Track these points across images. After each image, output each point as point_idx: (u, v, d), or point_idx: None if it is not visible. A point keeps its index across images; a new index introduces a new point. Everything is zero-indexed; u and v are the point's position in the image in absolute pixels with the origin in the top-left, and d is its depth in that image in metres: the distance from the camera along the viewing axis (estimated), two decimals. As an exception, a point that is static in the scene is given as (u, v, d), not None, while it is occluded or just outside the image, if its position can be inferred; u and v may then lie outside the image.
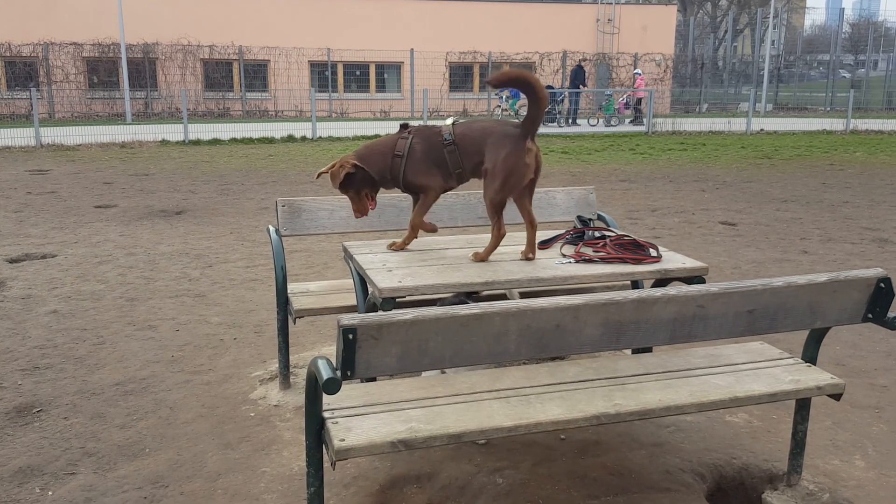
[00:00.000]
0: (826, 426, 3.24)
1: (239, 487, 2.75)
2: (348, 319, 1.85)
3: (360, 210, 3.00)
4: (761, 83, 31.02)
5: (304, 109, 25.61)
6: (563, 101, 22.23)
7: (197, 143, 16.45)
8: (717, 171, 12.31)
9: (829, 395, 2.49)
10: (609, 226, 3.56)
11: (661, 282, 2.95)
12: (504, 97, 23.24)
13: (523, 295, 3.21)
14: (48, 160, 13.41)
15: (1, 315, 4.73)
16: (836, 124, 21.49)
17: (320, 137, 17.59)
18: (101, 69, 25.35)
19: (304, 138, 17.42)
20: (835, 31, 40.74)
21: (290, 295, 3.52)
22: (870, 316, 2.35)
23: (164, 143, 16.33)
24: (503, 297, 3.21)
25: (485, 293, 3.06)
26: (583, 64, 24.89)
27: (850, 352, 4.12)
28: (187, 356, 4.06)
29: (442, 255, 3.02)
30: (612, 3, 29.21)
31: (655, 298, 2.09)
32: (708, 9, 50.75)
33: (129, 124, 21.22)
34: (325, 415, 2.17)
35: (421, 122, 3.06)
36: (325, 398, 2.17)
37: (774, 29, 42.10)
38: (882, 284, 2.29)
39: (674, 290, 2.12)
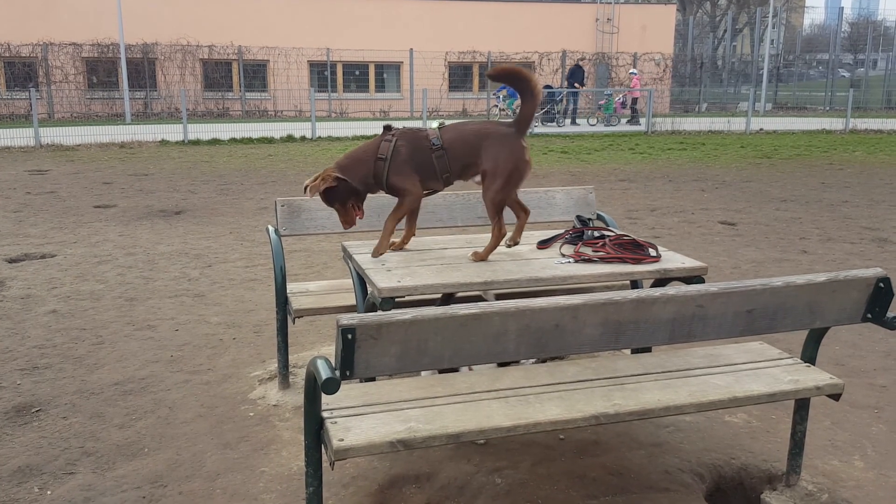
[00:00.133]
0: (825, 426, 3.24)
1: (238, 487, 2.75)
2: (347, 319, 1.85)
3: (348, 221, 2.95)
4: (760, 82, 31.02)
5: (303, 109, 25.60)
6: (561, 100, 22.22)
7: (196, 143, 16.45)
8: (716, 170, 12.32)
9: (828, 396, 2.49)
10: (608, 225, 3.56)
11: (661, 281, 2.94)
12: (501, 97, 23.23)
13: (524, 295, 3.21)
14: (47, 160, 13.40)
15: (0, 315, 4.73)
16: (835, 124, 21.50)
17: (320, 137, 17.59)
18: (100, 69, 25.34)
19: (303, 138, 17.42)
20: (834, 31, 40.76)
21: (289, 295, 3.52)
22: (869, 316, 2.35)
23: (164, 143, 16.33)
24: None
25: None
26: (581, 63, 24.86)
27: (849, 352, 4.12)
28: (186, 356, 4.06)
29: (441, 254, 3.02)
30: (611, 3, 29.21)
31: (654, 298, 2.09)
32: (707, 8, 50.77)
33: (129, 124, 21.21)
34: (324, 414, 2.17)
35: (404, 126, 3.02)
36: (324, 398, 2.17)
37: (774, 28, 42.12)
38: (881, 284, 2.29)
39: (673, 289, 2.12)
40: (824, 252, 6.53)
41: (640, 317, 2.10)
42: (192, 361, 3.99)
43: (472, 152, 2.87)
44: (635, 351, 3.02)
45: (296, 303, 3.42)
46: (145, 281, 5.54)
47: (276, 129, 18.50)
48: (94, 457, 2.97)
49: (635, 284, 3.28)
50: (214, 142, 16.58)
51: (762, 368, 2.57)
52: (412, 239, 3.12)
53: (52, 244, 6.73)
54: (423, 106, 19.60)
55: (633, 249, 2.99)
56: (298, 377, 3.72)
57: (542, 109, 21.37)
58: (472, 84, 28.85)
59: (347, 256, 3.10)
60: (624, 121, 22.38)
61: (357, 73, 28.00)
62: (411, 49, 26.67)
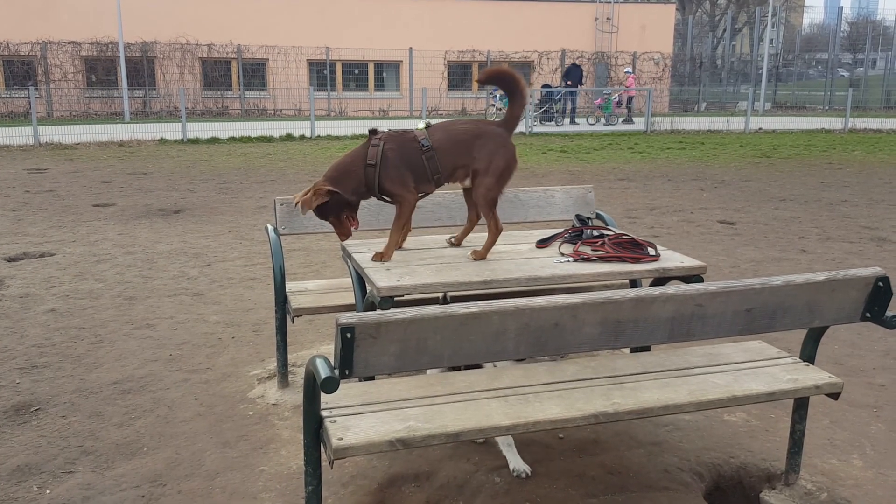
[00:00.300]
0: (824, 425, 3.24)
1: (237, 486, 2.75)
2: (346, 318, 1.85)
3: (344, 233, 2.91)
4: (760, 82, 31.02)
5: (302, 108, 25.59)
6: (560, 100, 22.22)
7: (195, 141, 16.44)
8: (715, 169, 12.32)
9: (827, 395, 2.49)
10: (607, 224, 3.56)
11: (660, 280, 2.95)
12: (498, 96, 23.21)
13: (523, 294, 3.21)
14: (46, 159, 13.39)
15: (-1, 314, 4.73)
16: (834, 123, 21.50)
17: (319, 136, 17.59)
18: (99, 68, 25.32)
19: (302, 137, 17.41)
20: (833, 30, 40.77)
21: (288, 294, 3.52)
22: (868, 315, 2.35)
23: (163, 141, 16.32)
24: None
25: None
26: (577, 63, 24.85)
27: (848, 351, 4.12)
28: (185, 355, 4.06)
29: (440, 253, 3.02)
30: (610, 2, 29.20)
31: (654, 297, 2.09)
32: (706, 7, 50.77)
33: (128, 123, 21.20)
34: (324, 413, 2.16)
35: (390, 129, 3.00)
36: (324, 397, 2.17)
37: (773, 28, 42.12)
38: (880, 283, 2.29)
39: (672, 288, 2.12)
40: (823, 251, 6.53)
41: (639, 316, 2.11)
42: (191, 360, 3.99)
43: (463, 152, 2.86)
44: (634, 350, 3.03)
45: (295, 302, 3.42)
46: (144, 280, 5.53)
47: (276, 128, 18.49)
48: (94, 456, 2.97)
49: (634, 283, 3.28)
50: (213, 140, 16.57)
51: (761, 367, 2.58)
52: (411, 238, 3.11)
53: (51, 243, 6.72)
54: (423, 105, 19.60)
55: (633, 248, 3.00)
56: (297, 376, 3.72)
57: (540, 109, 21.38)
58: (471, 83, 28.82)
59: (346, 255, 3.10)
60: (620, 120, 22.39)
61: (356, 71, 27.99)
62: (411, 48, 26.66)
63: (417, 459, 2.88)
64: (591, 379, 2.46)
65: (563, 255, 3.01)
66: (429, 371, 2.79)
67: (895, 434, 3.17)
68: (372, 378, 2.59)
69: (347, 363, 1.89)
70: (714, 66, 37.50)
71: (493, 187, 2.86)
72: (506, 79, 2.91)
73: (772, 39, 40.20)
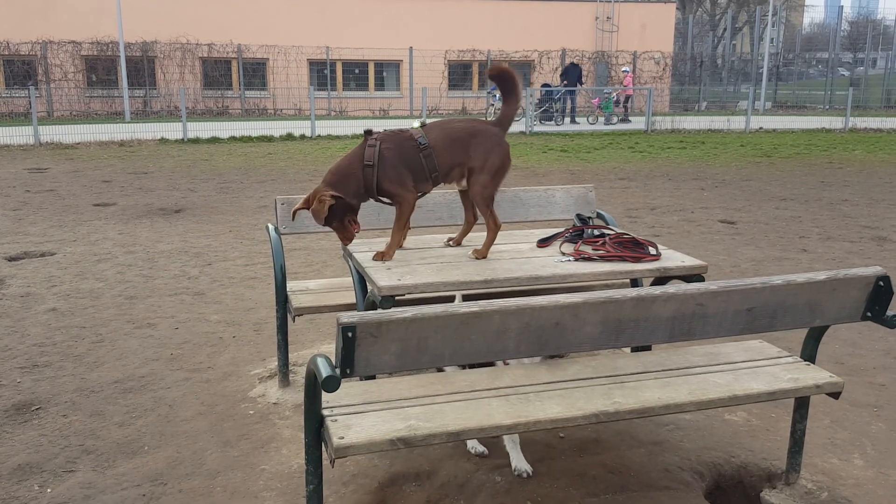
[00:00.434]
0: (825, 425, 3.24)
1: (238, 485, 2.76)
2: (348, 317, 1.85)
3: (348, 237, 2.89)
4: (760, 81, 31.02)
5: (303, 108, 25.59)
6: (559, 99, 22.22)
7: (196, 141, 16.44)
8: (716, 169, 12.32)
9: (827, 394, 2.49)
10: (608, 224, 3.56)
11: (661, 280, 2.95)
12: (497, 96, 23.19)
13: (523, 294, 3.21)
14: (47, 158, 13.40)
15: (0, 313, 4.73)
16: (834, 122, 21.49)
17: (319, 136, 17.59)
18: (99, 68, 25.32)
19: (303, 137, 17.41)
20: (834, 30, 40.75)
21: (289, 293, 3.52)
22: (869, 314, 2.35)
23: (163, 141, 16.32)
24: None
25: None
26: (575, 62, 24.85)
27: (848, 350, 4.12)
28: (186, 354, 4.06)
29: (441, 253, 3.02)
30: (610, 2, 29.20)
31: (655, 296, 2.09)
32: (707, 7, 50.75)
33: (128, 123, 21.19)
34: (325, 412, 2.17)
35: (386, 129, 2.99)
36: (325, 396, 2.17)
37: (773, 27, 42.10)
38: (881, 283, 2.29)
39: (673, 288, 2.12)
40: (824, 251, 6.53)
41: (640, 315, 2.11)
42: (192, 359, 3.99)
43: (460, 150, 2.87)
44: (635, 349, 3.03)
45: (296, 301, 3.42)
46: (145, 279, 5.54)
47: (276, 128, 18.49)
48: (94, 455, 2.97)
49: (635, 283, 3.28)
50: (214, 140, 16.58)
51: (762, 367, 2.58)
52: (412, 238, 3.12)
53: (52, 242, 6.73)
54: (423, 105, 19.60)
55: (633, 248, 3.00)
56: (298, 375, 3.72)
57: (540, 108, 21.38)
58: (471, 83, 28.84)
59: (347, 255, 3.10)
60: (617, 119, 22.39)
61: (357, 71, 27.99)
62: (411, 47, 26.66)
63: (418, 458, 2.88)
64: (592, 378, 2.46)
65: (563, 254, 3.01)
66: (448, 368, 2.78)
67: (896, 433, 3.17)
68: (373, 377, 2.59)
69: (348, 362, 1.89)
70: (714, 65, 37.49)
71: (488, 185, 2.89)
72: (507, 78, 2.94)
73: (772, 39, 40.19)
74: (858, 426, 3.23)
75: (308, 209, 2.83)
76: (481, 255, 2.95)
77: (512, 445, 2.84)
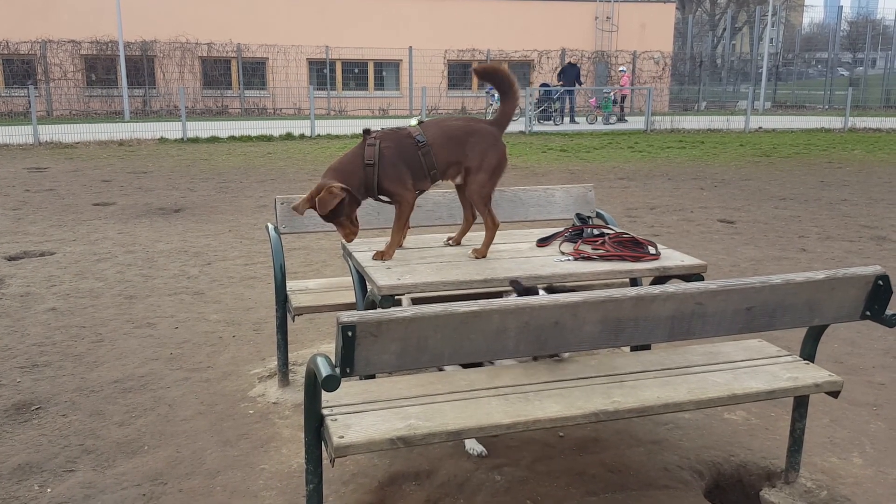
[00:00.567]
0: (824, 424, 3.24)
1: (238, 484, 2.76)
2: (347, 316, 1.85)
3: (353, 233, 2.87)
4: (760, 81, 31.02)
5: (302, 107, 25.59)
6: (558, 99, 22.23)
7: (195, 140, 16.44)
8: (715, 169, 12.32)
9: (826, 393, 2.49)
10: (608, 223, 3.56)
11: (660, 279, 2.95)
12: (496, 95, 23.18)
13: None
14: (46, 158, 13.40)
15: (0, 312, 4.74)
16: (834, 122, 21.49)
17: (319, 135, 17.59)
18: (99, 67, 25.31)
19: (302, 136, 17.41)
20: (833, 29, 40.76)
21: (288, 292, 3.52)
22: (868, 313, 2.35)
23: (163, 140, 16.32)
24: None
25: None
26: (572, 62, 24.85)
27: (848, 349, 4.13)
28: (186, 354, 4.06)
29: (441, 252, 3.03)
30: (610, 1, 29.20)
31: (654, 296, 2.09)
32: (706, 6, 50.75)
33: (128, 122, 21.20)
34: (324, 412, 2.17)
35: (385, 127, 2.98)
36: (324, 395, 2.18)
37: (773, 27, 42.11)
38: (880, 282, 2.30)
39: (672, 287, 2.12)
40: (823, 250, 6.54)
41: (639, 314, 2.11)
42: (192, 359, 3.99)
43: (457, 148, 2.88)
44: (635, 348, 3.03)
45: (295, 300, 3.42)
46: (144, 279, 5.54)
47: (275, 127, 18.49)
48: (94, 454, 2.97)
49: (635, 282, 3.29)
50: (213, 139, 16.57)
51: (761, 366, 2.58)
52: (412, 237, 3.12)
53: (52, 242, 6.73)
54: (423, 104, 19.60)
55: (633, 247, 3.00)
56: (298, 375, 3.72)
57: (538, 108, 21.38)
58: (471, 82, 28.83)
59: (347, 254, 3.11)
60: (614, 119, 22.40)
61: (356, 70, 27.98)
62: (410, 47, 26.66)
63: (418, 458, 2.88)
64: (592, 377, 2.47)
65: (563, 253, 3.01)
66: (448, 367, 2.77)
67: (895, 432, 3.17)
68: (373, 376, 2.59)
69: (348, 361, 1.89)
70: (714, 65, 37.50)
71: (486, 184, 2.90)
72: (500, 77, 2.95)
73: (772, 38, 40.20)
74: (857, 425, 3.24)
75: (312, 205, 2.79)
76: (481, 254, 2.95)
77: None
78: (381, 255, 2.90)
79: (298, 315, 3.41)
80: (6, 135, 15.90)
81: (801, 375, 2.50)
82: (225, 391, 3.59)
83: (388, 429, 2.10)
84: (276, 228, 3.44)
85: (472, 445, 2.92)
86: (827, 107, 32.22)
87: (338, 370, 1.89)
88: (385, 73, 28.51)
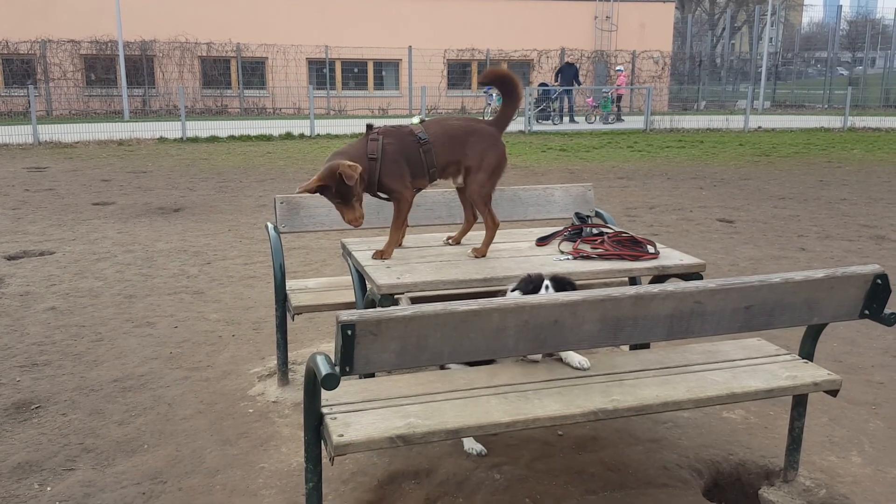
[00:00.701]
0: (823, 423, 3.25)
1: (237, 483, 2.76)
2: (347, 315, 1.86)
3: (358, 218, 2.81)
4: (759, 80, 31.02)
5: (302, 107, 25.58)
6: (556, 98, 22.23)
7: (195, 140, 16.44)
8: (714, 168, 12.33)
9: (825, 392, 2.50)
10: (607, 223, 3.57)
11: (659, 278, 2.95)
12: (494, 95, 23.17)
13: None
14: (46, 157, 13.39)
15: (-1, 312, 4.74)
16: (833, 122, 21.50)
17: (318, 135, 17.58)
18: (98, 67, 25.30)
19: (302, 136, 17.41)
20: (832, 29, 40.77)
21: (288, 292, 3.52)
22: (867, 312, 2.35)
23: (162, 140, 16.31)
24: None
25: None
26: (570, 61, 24.84)
27: (847, 348, 4.13)
28: (186, 353, 4.07)
29: (440, 251, 3.03)
30: (609, 1, 29.19)
31: (653, 294, 2.09)
32: (706, 6, 50.76)
33: (127, 122, 21.19)
34: (324, 410, 2.17)
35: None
36: (324, 394, 2.18)
37: (772, 26, 42.13)
38: (879, 281, 2.30)
39: (671, 286, 2.12)
40: (822, 250, 6.54)
41: (638, 313, 2.11)
42: (192, 358, 3.99)
43: (457, 147, 2.89)
44: (634, 347, 3.04)
45: (295, 300, 3.42)
46: (144, 278, 5.54)
47: (275, 127, 18.49)
48: (94, 453, 2.97)
49: (634, 281, 3.29)
50: (213, 139, 16.57)
51: (760, 364, 2.58)
52: (411, 236, 3.12)
53: (51, 241, 6.73)
54: (423, 104, 19.60)
55: (632, 246, 3.00)
56: (297, 374, 3.73)
57: (537, 108, 21.38)
58: (470, 82, 28.83)
59: (346, 254, 3.11)
60: (613, 118, 22.40)
61: (356, 70, 27.98)
62: (410, 47, 26.65)
63: (417, 456, 2.89)
64: (591, 376, 2.47)
65: (562, 252, 3.02)
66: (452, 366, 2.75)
67: (893, 431, 3.18)
68: (372, 375, 2.60)
69: (348, 360, 1.90)
70: (713, 64, 37.49)
71: (485, 184, 2.92)
72: (505, 80, 2.98)
73: (771, 38, 40.21)
74: (856, 424, 3.24)
75: (322, 183, 2.71)
76: (480, 253, 2.95)
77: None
78: (380, 254, 2.91)
79: (298, 314, 3.42)
80: (6, 134, 15.89)
81: (799, 374, 2.51)
82: (224, 390, 3.59)
83: (388, 427, 2.10)
84: (275, 228, 3.44)
85: (471, 445, 2.92)
86: (826, 106, 32.22)
87: (337, 369, 1.89)
88: (385, 72, 28.50)
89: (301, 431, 2.68)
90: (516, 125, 18.44)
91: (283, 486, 2.74)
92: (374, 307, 2.61)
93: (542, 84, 23.60)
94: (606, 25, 29.24)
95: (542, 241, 3.19)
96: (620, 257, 2.91)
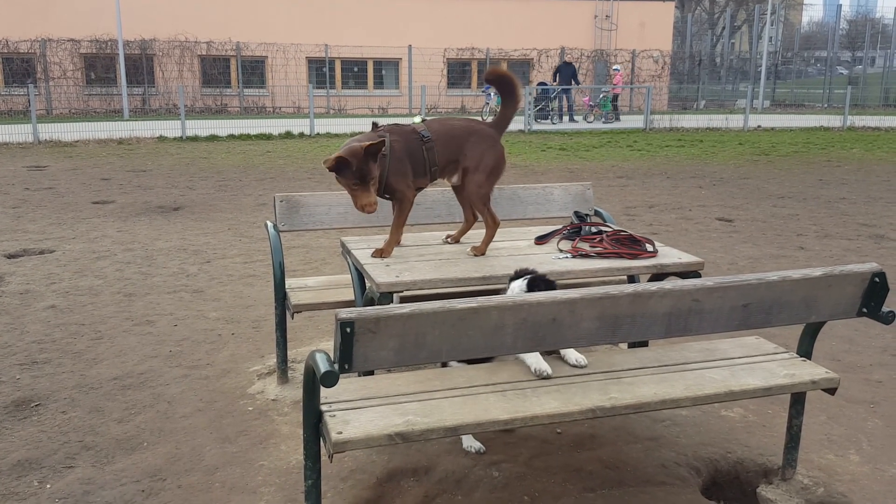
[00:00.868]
0: (821, 421, 3.25)
1: (237, 481, 2.77)
2: (346, 313, 1.86)
3: (371, 203, 2.74)
4: (759, 80, 31.02)
5: (301, 106, 25.58)
6: (555, 98, 22.23)
7: (194, 139, 16.44)
8: (714, 167, 12.33)
9: (823, 390, 2.50)
10: (606, 221, 3.57)
11: (658, 277, 2.96)
12: (493, 94, 23.16)
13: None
14: (46, 156, 13.39)
15: (-1, 310, 4.74)
16: (833, 121, 21.50)
17: (318, 134, 17.58)
18: (98, 65, 25.30)
19: (301, 135, 17.41)
20: (832, 28, 40.77)
21: (287, 290, 3.53)
22: (864, 310, 2.36)
23: (162, 139, 16.31)
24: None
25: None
26: (568, 60, 24.83)
27: (845, 347, 4.14)
28: (185, 351, 4.07)
29: (439, 250, 3.04)
30: (609, 0, 29.19)
31: (651, 292, 2.10)
32: (706, 5, 50.75)
33: (127, 120, 21.18)
34: (323, 408, 2.18)
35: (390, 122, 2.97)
36: (323, 391, 2.19)
37: (772, 25, 42.11)
38: (877, 279, 2.30)
39: (669, 284, 2.13)
40: (821, 249, 6.55)
41: (636, 311, 2.12)
42: (191, 356, 4.00)
43: (457, 147, 2.92)
44: (632, 345, 3.04)
45: (294, 298, 3.43)
46: (144, 277, 5.54)
47: (275, 126, 18.49)
48: (94, 451, 2.98)
49: (632, 279, 3.30)
50: (212, 138, 16.57)
51: (758, 363, 2.59)
52: (410, 235, 3.13)
53: (51, 240, 6.73)
54: (422, 103, 19.60)
55: (631, 245, 3.01)
56: (297, 372, 3.73)
57: (536, 107, 21.38)
58: (470, 81, 28.83)
59: (346, 252, 3.11)
60: (611, 117, 22.40)
61: (356, 69, 27.97)
62: (410, 46, 26.65)
63: (416, 454, 2.89)
64: (589, 374, 2.48)
65: (561, 251, 3.02)
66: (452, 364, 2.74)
67: (892, 429, 3.18)
68: (371, 373, 2.60)
69: (347, 358, 1.90)
70: (713, 63, 37.49)
71: (483, 184, 2.93)
72: (505, 81, 2.99)
73: (771, 37, 40.21)
74: (854, 422, 3.25)
75: (342, 161, 2.67)
76: (479, 252, 2.96)
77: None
78: (379, 253, 2.92)
79: (297, 312, 3.42)
80: (6, 133, 15.89)
81: (798, 372, 2.51)
82: (224, 388, 3.60)
83: (387, 425, 2.11)
84: (275, 226, 3.45)
85: (470, 442, 2.93)
86: (826, 105, 32.22)
87: (336, 366, 1.90)
88: (384, 71, 28.50)
89: (300, 429, 2.69)
90: (516, 124, 18.42)
91: (283, 483, 2.75)
92: (374, 305, 2.62)
93: (541, 83, 23.59)
94: (606, 24, 29.24)
95: (541, 240, 3.19)
96: (619, 256, 2.92)
